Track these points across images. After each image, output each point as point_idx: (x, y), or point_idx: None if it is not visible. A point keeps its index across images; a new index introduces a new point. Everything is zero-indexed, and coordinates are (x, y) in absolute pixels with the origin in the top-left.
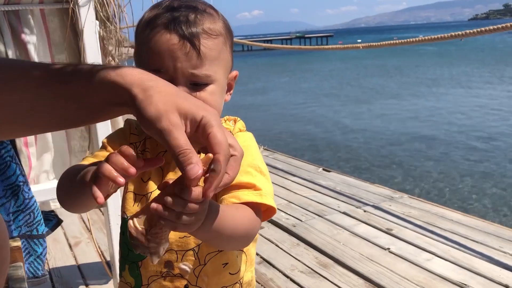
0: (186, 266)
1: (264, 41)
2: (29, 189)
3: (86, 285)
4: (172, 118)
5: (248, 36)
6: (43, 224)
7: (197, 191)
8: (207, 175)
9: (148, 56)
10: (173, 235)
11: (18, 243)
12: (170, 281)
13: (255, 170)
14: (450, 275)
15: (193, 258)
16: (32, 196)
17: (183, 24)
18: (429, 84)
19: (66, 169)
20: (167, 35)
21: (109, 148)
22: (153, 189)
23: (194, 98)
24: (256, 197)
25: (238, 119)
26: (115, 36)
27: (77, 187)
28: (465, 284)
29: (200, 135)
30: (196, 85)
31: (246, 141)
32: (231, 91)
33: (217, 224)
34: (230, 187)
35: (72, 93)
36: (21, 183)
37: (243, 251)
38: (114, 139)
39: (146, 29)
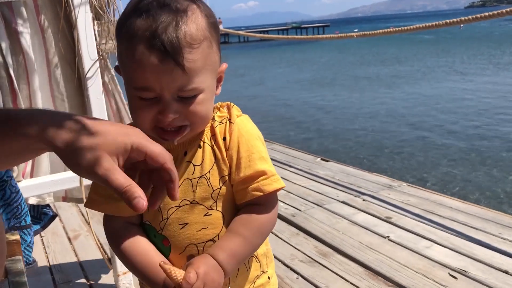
0: None
1: (261, 32)
2: (16, 183)
3: (86, 277)
4: (103, 164)
5: (244, 28)
6: (29, 216)
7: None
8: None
9: (132, 71)
10: (189, 231)
11: (16, 236)
12: None
13: (266, 154)
14: (449, 262)
15: None
16: (19, 190)
17: (163, 39)
18: (426, 72)
19: (113, 229)
20: (148, 54)
21: None
22: None
23: (115, 125)
24: (276, 183)
25: (232, 104)
26: (108, 29)
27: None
28: (465, 270)
29: (138, 159)
30: (185, 98)
31: (247, 124)
32: (221, 82)
33: (241, 259)
34: (250, 177)
35: None
36: (8, 178)
37: None
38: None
39: (127, 38)
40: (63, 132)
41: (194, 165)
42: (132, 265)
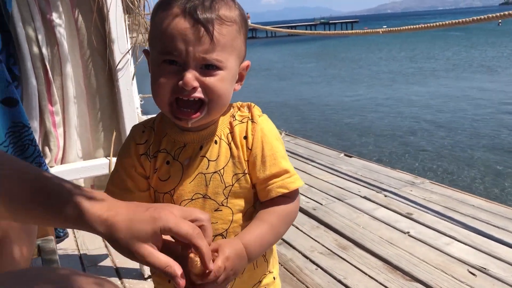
0: None
1: (288, 28)
2: (47, 169)
3: (112, 262)
4: (141, 252)
5: (272, 23)
6: None
7: None
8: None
9: (161, 39)
10: None
11: None
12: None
13: (285, 153)
14: (469, 259)
15: None
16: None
17: (198, 9)
18: (452, 69)
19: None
20: (181, 19)
21: (128, 181)
22: (175, 186)
23: (144, 212)
24: (298, 181)
25: (253, 104)
26: (140, 23)
27: None
28: (484, 268)
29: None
30: (206, 69)
31: (268, 124)
32: (242, 81)
33: (263, 248)
34: (275, 175)
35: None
36: (37, 165)
37: None
38: (135, 166)
39: (161, 11)
40: (99, 223)
41: (209, 160)
42: None
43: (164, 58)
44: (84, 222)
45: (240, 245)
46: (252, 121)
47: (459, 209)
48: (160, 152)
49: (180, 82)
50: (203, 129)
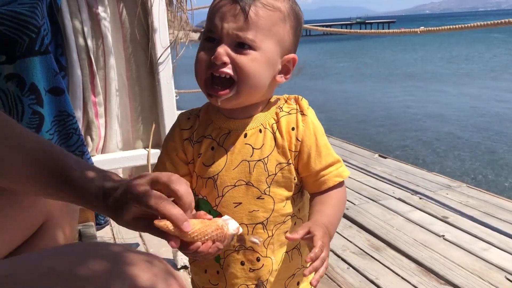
0: (256, 239)
1: (324, 27)
2: (89, 158)
3: (146, 250)
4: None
5: (306, 22)
6: None
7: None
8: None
9: (208, 18)
10: (242, 211)
11: None
12: (243, 254)
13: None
14: (507, 266)
15: (262, 231)
16: (92, 164)
17: None
18: (491, 71)
19: None
20: (225, 1)
21: (167, 163)
22: (219, 171)
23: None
24: (347, 170)
25: (301, 97)
26: (181, 18)
27: None
28: None
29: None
30: (239, 47)
31: (315, 118)
32: (288, 75)
33: (336, 224)
34: (331, 164)
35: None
36: (80, 153)
37: (301, 218)
38: (177, 151)
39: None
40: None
41: (253, 148)
42: None
43: (205, 36)
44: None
45: (325, 225)
46: (302, 114)
47: (497, 215)
48: (206, 138)
49: (213, 57)
50: (247, 117)
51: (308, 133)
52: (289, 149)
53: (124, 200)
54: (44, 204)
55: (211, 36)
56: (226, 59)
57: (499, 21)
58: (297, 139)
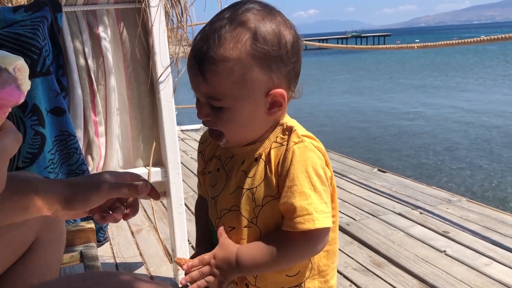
0: None
1: (320, 41)
2: None
3: (147, 269)
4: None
5: (304, 36)
6: None
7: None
8: None
9: None
10: (236, 236)
11: (91, 225)
12: (232, 281)
13: (310, 189)
14: (510, 281)
15: None
16: None
17: (199, 48)
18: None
19: (196, 200)
20: (190, 62)
21: (199, 170)
22: (218, 193)
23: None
24: (309, 223)
25: (294, 128)
26: (181, 36)
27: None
28: None
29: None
30: (214, 107)
31: (303, 153)
32: (281, 107)
33: (254, 266)
34: (286, 209)
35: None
36: (80, 172)
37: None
38: (198, 161)
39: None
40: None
41: (247, 176)
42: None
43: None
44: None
45: (234, 251)
46: (286, 148)
47: (498, 229)
48: (215, 158)
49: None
50: (249, 144)
51: (283, 170)
52: (275, 184)
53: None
54: (32, 221)
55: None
56: (206, 116)
57: (495, 37)
58: (278, 175)
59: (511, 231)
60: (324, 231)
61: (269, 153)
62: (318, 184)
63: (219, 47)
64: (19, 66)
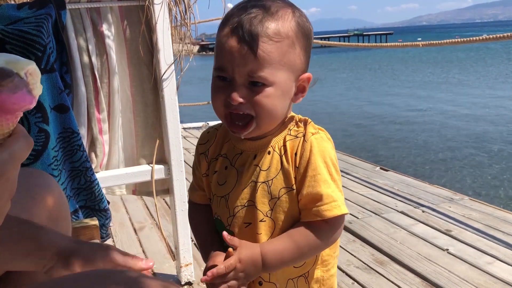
0: None
1: (321, 39)
2: (92, 174)
3: None
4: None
5: None
6: (105, 201)
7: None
8: None
9: (216, 55)
10: (252, 231)
11: (95, 221)
12: None
13: (331, 177)
14: None
15: None
16: (95, 180)
17: (245, 27)
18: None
19: (189, 209)
20: (230, 38)
21: (197, 174)
22: (230, 191)
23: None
24: (336, 209)
25: (309, 120)
26: (185, 34)
27: (198, 245)
28: None
29: None
30: (253, 86)
31: (321, 143)
32: (304, 93)
33: (281, 263)
34: (311, 198)
35: None
36: (83, 169)
37: None
38: (196, 164)
39: (220, 27)
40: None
41: (260, 169)
42: (196, 241)
43: (217, 74)
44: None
45: (258, 252)
46: (304, 139)
47: (501, 228)
48: (221, 156)
49: (228, 98)
50: (259, 138)
51: (302, 161)
52: (292, 175)
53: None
54: (37, 219)
55: (223, 75)
56: (241, 100)
57: (498, 36)
58: (295, 166)
59: None
60: (343, 218)
61: (284, 145)
62: (334, 173)
63: (271, 22)
64: (30, 70)
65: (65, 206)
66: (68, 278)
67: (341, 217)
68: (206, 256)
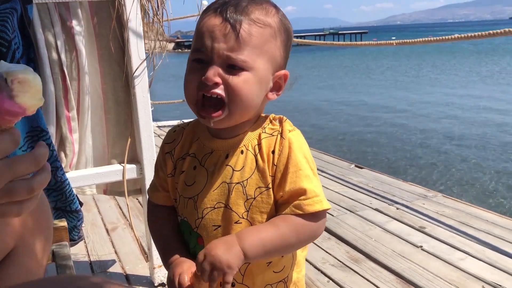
0: None
1: (297, 37)
2: (63, 174)
3: (122, 268)
4: None
5: None
6: (76, 202)
7: None
8: None
9: (195, 37)
10: (221, 234)
11: (64, 223)
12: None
13: (312, 172)
14: (484, 275)
15: None
16: (66, 180)
17: (230, 9)
18: (459, 81)
19: (149, 211)
20: (212, 18)
21: (161, 175)
22: (199, 192)
23: None
24: (318, 204)
25: (285, 118)
26: (158, 30)
27: (158, 249)
28: (499, 285)
29: None
30: (231, 68)
31: (298, 140)
32: (280, 92)
33: (269, 249)
34: (294, 193)
35: None
36: (53, 169)
37: None
38: (161, 163)
39: (203, 13)
40: None
41: (233, 170)
42: (156, 244)
43: (194, 57)
44: None
45: (231, 236)
46: (281, 136)
47: (473, 224)
48: (189, 156)
49: (203, 78)
50: (231, 137)
51: (282, 158)
52: (269, 174)
53: None
54: (13, 226)
55: (200, 58)
56: (217, 79)
57: (470, 35)
58: (273, 163)
59: (485, 225)
60: (325, 213)
61: (259, 143)
62: (314, 168)
63: (256, 10)
64: (20, 79)
65: (49, 214)
66: (31, 284)
67: (323, 212)
68: (167, 261)
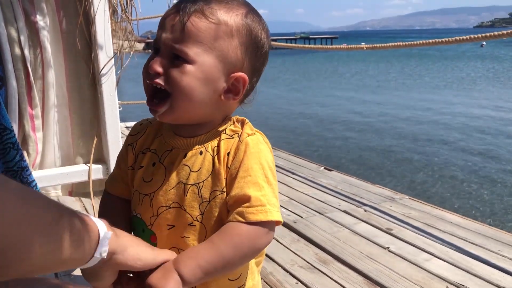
0: None
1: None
2: (29, 174)
3: None
4: None
5: None
6: None
7: None
8: None
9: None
10: (175, 235)
11: None
12: None
13: (264, 181)
14: (448, 276)
15: None
16: (33, 180)
17: (187, 2)
18: (432, 85)
19: (102, 200)
20: (171, 10)
21: (122, 166)
22: (155, 189)
23: None
24: (261, 214)
25: (247, 121)
26: (126, 28)
27: None
28: (462, 285)
29: None
30: (175, 59)
31: (256, 145)
32: (237, 96)
33: (209, 270)
34: (238, 199)
35: None
36: (19, 169)
37: None
38: (123, 155)
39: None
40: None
41: (190, 170)
42: None
43: (153, 46)
44: None
45: (169, 262)
46: (239, 139)
47: (438, 226)
48: (150, 151)
49: (148, 66)
50: (192, 136)
51: (235, 161)
52: (223, 176)
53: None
54: None
55: (155, 47)
56: (159, 69)
57: (438, 40)
58: (227, 166)
59: (449, 227)
60: (273, 225)
61: (218, 145)
62: (271, 177)
63: (216, 6)
64: None
65: None
66: None
67: (268, 223)
68: None
